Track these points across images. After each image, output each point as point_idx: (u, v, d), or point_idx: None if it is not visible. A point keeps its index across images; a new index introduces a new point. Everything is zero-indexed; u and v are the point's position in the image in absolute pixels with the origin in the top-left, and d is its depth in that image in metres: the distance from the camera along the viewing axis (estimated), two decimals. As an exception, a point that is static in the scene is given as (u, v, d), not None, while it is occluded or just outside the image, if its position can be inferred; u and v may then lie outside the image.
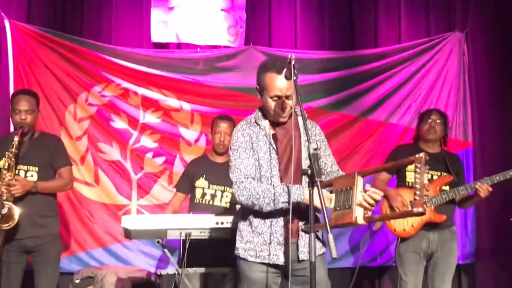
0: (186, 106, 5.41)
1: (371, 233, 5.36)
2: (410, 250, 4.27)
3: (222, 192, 4.30)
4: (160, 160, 5.33)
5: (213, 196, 4.29)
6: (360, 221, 2.65)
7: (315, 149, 2.56)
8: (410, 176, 4.28)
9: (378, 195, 2.69)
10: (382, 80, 5.65)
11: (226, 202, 4.29)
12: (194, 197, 4.33)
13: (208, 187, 4.30)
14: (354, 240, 5.45)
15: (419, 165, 2.55)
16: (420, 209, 2.52)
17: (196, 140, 5.39)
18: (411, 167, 4.24)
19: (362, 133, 5.60)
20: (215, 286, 4.19)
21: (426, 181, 2.58)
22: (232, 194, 4.27)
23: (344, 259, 5.39)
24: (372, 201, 2.67)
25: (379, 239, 5.43)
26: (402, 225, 4.23)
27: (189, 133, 5.38)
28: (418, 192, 2.53)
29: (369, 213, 2.71)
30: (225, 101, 5.42)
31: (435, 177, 4.26)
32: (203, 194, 4.31)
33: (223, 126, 4.31)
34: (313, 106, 5.43)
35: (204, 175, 4.31)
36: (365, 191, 2.69)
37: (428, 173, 4.19)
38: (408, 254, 4.27)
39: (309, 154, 2.57)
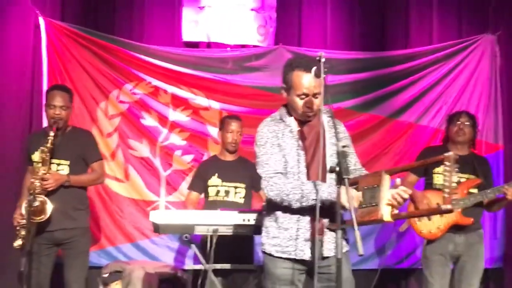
0: (215, 105, 5.46)
1: (397, 235, 5.33)
2: (437, 252, 4.24)
3: (235, 188, 4.40)
4: (188, 157, 5.39)
5: (227, 193, 4.38)
6: (387, 218, 2.64)
7: (344, 147, 2.57)
8: (437, 179, 4.25)
9: (406, 193, 2.68)
10: (412, 81, 5.62)
11: (240, 197, 4.40)
12: (208, 196, 4.43)
13: (221, 185, 4.40)
14: (380, 242, 5.43)
15: (448, 164, 2.54)
16: (449, 206, 2.51)
17: (224, 139, 5.42)
18: (438, 169, 4.22)
19: (391, 135, 5.57)
20: (240, 282, 4.22)
21: (455, 180, 2.56)
22: (245, 188, 4.38)
23: (369, 260, 5.37)
24: (400, 199, 2.66)
25: (405, 241, 5.40)
26: (428, 227, 4.20)
27: (217, 132, 5.41)
28: (447, 190, 2.52)
29: (396, 211, 2.70)
30: (253, 101, 5.45)
31: (463, 180, 4.23)
32: (217, 192, 4.39)
33: (235, 125, 4.44)
34: (342, 107, 5.42)
35: (217, 174, 4.41)
36: (395, 187, 2.69)
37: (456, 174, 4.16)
38: (435, 256, 4.24)
39: (337, 152, 2.58)
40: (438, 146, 4.54)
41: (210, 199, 4.41)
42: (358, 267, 5.07)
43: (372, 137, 5.55)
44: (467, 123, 4.34)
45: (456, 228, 4.18)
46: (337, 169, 2.56)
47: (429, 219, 4.18)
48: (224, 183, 4.40)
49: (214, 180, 4.40)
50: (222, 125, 4.50)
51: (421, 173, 4.38)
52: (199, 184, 4.46)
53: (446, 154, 2.56)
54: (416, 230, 4.26)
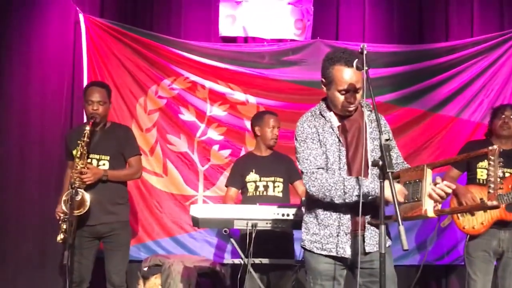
0: (252, 99, 5.46)
1: (439, 231, 5.25)
2: (480, 248, 4.16)
3: (274, 182, 4.39)
4: (226, 152, 5.40)
5: (266, 187, 4.38)
6: (430, 213, 2.59)
7: (387, 140, 2.52)
8: (481, 173, 4.17)
9: (449, 187, 2.63)
10: (453, 74, 5.52)
11: (278, 192, 4.39)
12: (246, 192, 4.43)
13: (260, 180, 4.39)
14: (420, 237, 5.35)
15: (492, 158, 2.47)
16: (495, 202, 2.44)
17: (261, 133, 5.42)
18: (482, 164, 4.14)
19: (431, 129, 5.49)
20: (276, 278, 4.21)
21: (500, 174, 2.49)
22: (282, 182, 4.37)
23: (410, 256, 5.30)
24: (443, 194, 2.60)
25: (447, 237, 5.32)
26: (471, 223, 4.12)
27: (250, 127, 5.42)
28: (492, 185, 2.45)
29: (439, 206, 2.65)
30: (290, 95, 5.43)
31: (507, 175, 4.13)
32: (256, 187, 4.39)
33: (276, 120, 4.45)
34: (381, 101, 5.34)
35: (254, 170, 4.41)
36: (435, 184, 2.64)
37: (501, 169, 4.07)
38: (478, 252, 4.16)
39: (380, 145, 2.53)
40: (481, 140, 4.44)
41: (249, 194, 4.41)
42: (398, 263, 4.99)
43: (412, 131, 5.47)
44: (512, 116, 4.25)
45: (500, 224, 4.09)
46: (380, 163, 2.52)
47: (472, 215, 4.10)
48: (263, 178, 4.40)
49: (252, 176, 4.41)
50: (261, 121, 4.48)
51: (463, 167, 4.29)
52: (238, 180, 4.47)
53: (490, 148, 2.50)
54: (459, 226, 4.18)
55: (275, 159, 4.48)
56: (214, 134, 5.41)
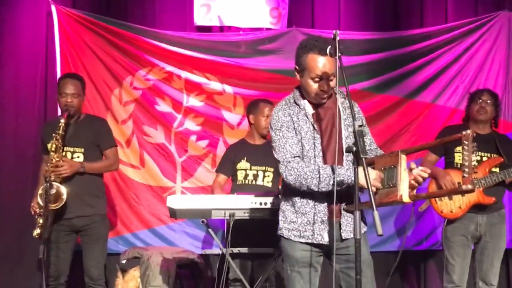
0: (229, 89, 5.42)
1: (417, 216, 5.29)
2: (458, 233, 4.19)
3: (264, 172, 4.36)
4: (203, 143, 5.37)
5: (256, 176, 4.35)
6: (406, 199, 2.60)
7: (360, 126, 2.52)
8: (458, 157, 4.18)
9: (425, 172, 2.64)
10: (428, 61, 5.53)
11: (268, 182, 4.36)
12: (236, 179, 4.40)
13: (250, 168, 4.37)
14: (399, 223, 5.38)
15: (466, 142, 2.49)
16: (469, 186, 2.45)
17: (239, 124, 5.40)
18: (459, 148, 4.16)
19: (407, 116, 5.51)
20: (258, 266, 4.21)
21: (474, 158, 2.51)
22: (273, 172, 4.34)
23: (388, 242, 5.34)
24: (419, 179, 2.62)
25: (425, 222, 5.36)
26: (449, 207, 4.15)
27: (232, 117, 5.40)
28: (466, 170, 2.46)
29: (414, 191, 2.66)
30: (267, 84, 5.40)
31: (484, 159, 4.18)
32: (246, 175, 4.37)
33: (269, 109, 4.39)
34: (357, 88, 5.35)
35: (245, 157, 4.38)
36: (410, 169, 2.65)
37: (477, 153, 4.11)
38: (456, 237, 4.19)
39: (354, 131, 2.53)
40: (459, 125, 4.46)
41: (238, 183, 4.38)
42: (377, 249, 5.05)
43: (388, 118, 5.49)
44: (489, 101, 4.28)
45: (478, 208, 4.13)
46: (354, 149, 2.52)
47: (450, 199, 4.13)
48: (253, 167, 4.38)
49: (243, 164, 4.38)
50: (256, 109, 4.45)
51: (441, 152, 4.32)
52: (228, 166, 4.43)
53: (463, 132, 2.51)
54: (437, 210, 4.21)
55: (268, 148, 4.43)
56: (191, 124, 5.37)
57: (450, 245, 4.22)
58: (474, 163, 3.99)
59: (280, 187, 3.51)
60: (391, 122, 5.48)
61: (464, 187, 2.48)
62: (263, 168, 4.37)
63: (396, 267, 4.50)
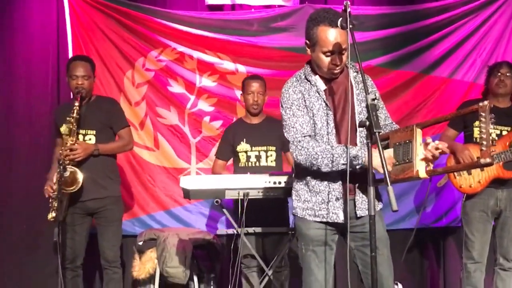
0: (242, 68, 5.35)
1: (436, 192, 5.21)
2: (477, 208, 4.13)
3: (266, 152, 4.32)
4: (217, 123, 5.32)
5: (258, 158, 4.31)
6: (422, 174, 2.54)
7: (373, 100, 2.45)
8: (478, 132, 4.10)
9: (442, 145, 2.56)
10: (444, 35, 5.39)
11: (271, 161, 4.33)
12: (238, 162, 4.36)
13: (251, 150, 4.32)
14: (418, 200, 5.30)
15: (483, 114, 2.41)
16: (488, 160, 2.38)
17: (253, 103, 5.34)
18: (477, 122, 4.07)
19: (424, 91, 5.40)
20: (273, 246, 4.19)
21: (492, 131, 2.43)
22: (275, 150, 4.31)
23: (406, 220, 5.25)
24: (436, 153, 2.54)
25: (444, 198, 5.26)
26: (468, 181, 4.08)
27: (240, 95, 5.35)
28: (484, 142, 2.39)
29: (431, 166, 2.59)
30: (280, 62, 5.32)
31: (504, 133, 4.10)
32: (248, 157, 4.33)
33: (255, 85, 4.34)
34: (372, 65, 5.25)
35: (245, 139, 4.34)
36: (426, 144, 2.57)
37: (496, 127, 4.03)
38: (475, 212, 4.14)
39: (367, 105, 2.46)
40: (477, 99, 4.35)
41: (241, 165, 4.35)
42: (395, 227, 4.98)
43: (405, 94, 5.38)
44: (508, 74, 4.20)
45: (497, 183, 4.07)
46: (367, 123, 2.46)
47: (469, 173, 4.06)
48: (254, 148, 4.33)
49: (243, 145, 4.34)
50: (243, 87, 4.42)
51: (460, 127, 4.25)
52: (226, 150, 4.41)
53: (480, 104, 2.43)
54: (456, 185, 4.14)
55: (267, 126, 4.39)
56: (204, 105, 5.32)
57: (469, 221, 4.16)
58: (493, 136, 3.90)
59: (292, 166, 3.47)
60: (407, 98, 5.38)
61: (482, 160, 2.40)
62: (265, 148, 4.32)
63: (415, 245, 4.46)
